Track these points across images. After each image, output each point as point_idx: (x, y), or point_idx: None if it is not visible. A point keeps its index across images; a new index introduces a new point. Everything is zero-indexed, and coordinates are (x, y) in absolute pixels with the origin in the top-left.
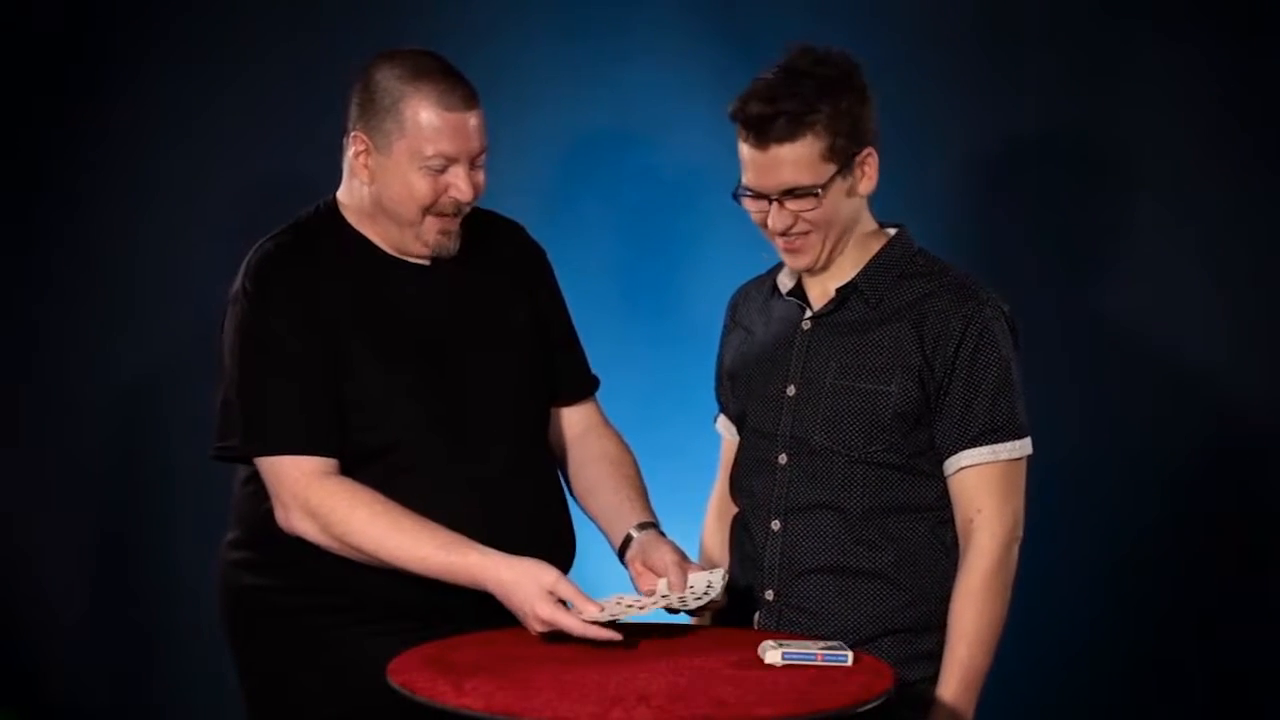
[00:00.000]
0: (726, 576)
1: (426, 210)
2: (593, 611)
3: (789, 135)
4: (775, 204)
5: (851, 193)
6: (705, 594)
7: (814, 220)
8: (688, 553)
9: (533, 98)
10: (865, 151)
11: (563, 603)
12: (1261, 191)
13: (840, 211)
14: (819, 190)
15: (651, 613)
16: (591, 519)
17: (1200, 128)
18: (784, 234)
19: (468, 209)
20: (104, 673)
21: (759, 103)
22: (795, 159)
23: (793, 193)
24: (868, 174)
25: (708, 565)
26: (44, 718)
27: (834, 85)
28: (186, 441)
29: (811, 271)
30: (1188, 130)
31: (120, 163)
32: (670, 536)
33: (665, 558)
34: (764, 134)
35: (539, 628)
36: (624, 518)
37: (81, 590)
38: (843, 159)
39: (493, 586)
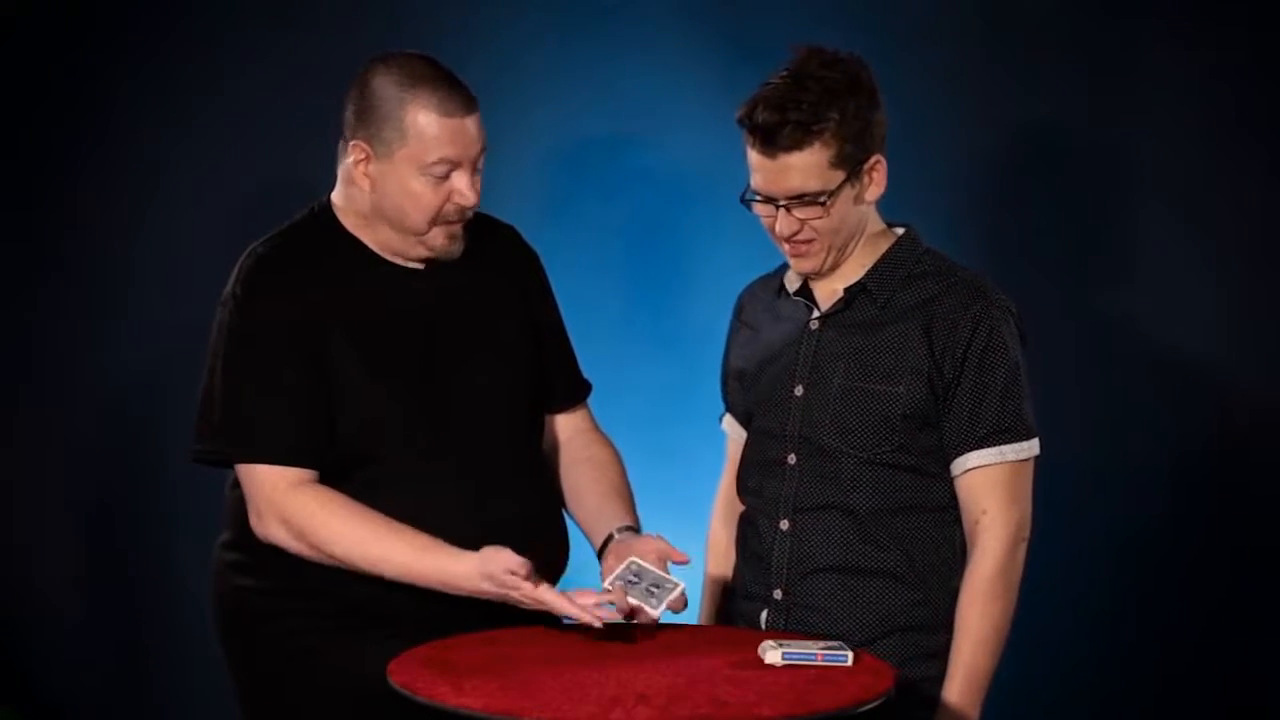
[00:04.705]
0: (677, 595)
1: (433, 221)
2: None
3: (797, 143)
4: (783, 209)
5: (859, 199)
6: (657, 587)
7: (820, 227)
8: (691, 554)
9: (532, 100)
10: (874, 159)
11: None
12: (1263, 192)
13: (848, 218)
14: (826, 197)
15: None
16: (575, 522)
17: (1203, 127)
18: (790, 239)
19: (472, 212)
20: (103, 672)
21: (767, 110)
22: (803, 166)
23: (801, 199)
24: (876, 180)
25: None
26: (43, 716)
27: (843, 90)
28: (186, 441)
29: (818, 274)
30: (1191, 130)
31: (120, 163)
32: (673, 537)
33: (648, 545)
34: (772, 141)
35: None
36: (606, 520)
37: (81, 590)
38: (851, 165)
39: (461, 581)
